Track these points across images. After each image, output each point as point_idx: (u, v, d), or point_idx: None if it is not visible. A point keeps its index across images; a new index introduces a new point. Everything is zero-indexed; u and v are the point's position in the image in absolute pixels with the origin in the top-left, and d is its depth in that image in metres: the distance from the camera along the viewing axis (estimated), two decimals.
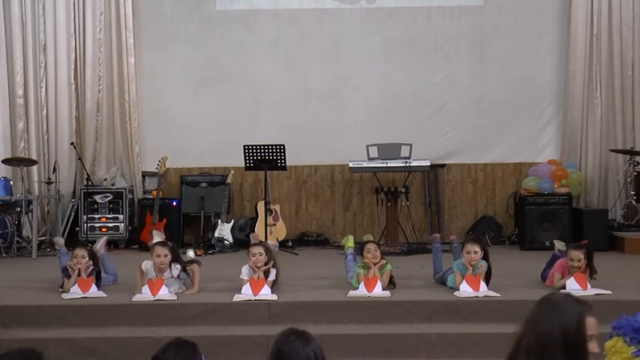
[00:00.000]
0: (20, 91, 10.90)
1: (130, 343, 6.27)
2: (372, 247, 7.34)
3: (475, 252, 7.12)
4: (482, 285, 6.97)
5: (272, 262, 7.15)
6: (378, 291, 6.91)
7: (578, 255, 7.11)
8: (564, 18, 11.07)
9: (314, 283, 7.77)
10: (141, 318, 6.62)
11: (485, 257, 7.18)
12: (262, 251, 7.09)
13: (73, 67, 11.03)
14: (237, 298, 6.80)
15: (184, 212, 10.86)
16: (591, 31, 10.92)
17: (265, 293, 6.83)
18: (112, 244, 10.62)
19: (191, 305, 6.74)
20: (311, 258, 9.81)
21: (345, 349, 6.20)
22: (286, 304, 6.76)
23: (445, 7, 11.21)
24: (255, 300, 6.74)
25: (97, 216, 10.64)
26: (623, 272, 8.34)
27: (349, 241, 8.01)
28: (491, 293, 6.88)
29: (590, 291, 6.88)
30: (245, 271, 7.14)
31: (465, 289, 6.90)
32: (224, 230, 10.29)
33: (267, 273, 7.08)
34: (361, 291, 6.92)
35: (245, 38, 11.25)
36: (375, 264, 7.19)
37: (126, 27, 11.00)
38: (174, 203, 10.80)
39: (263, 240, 8.45)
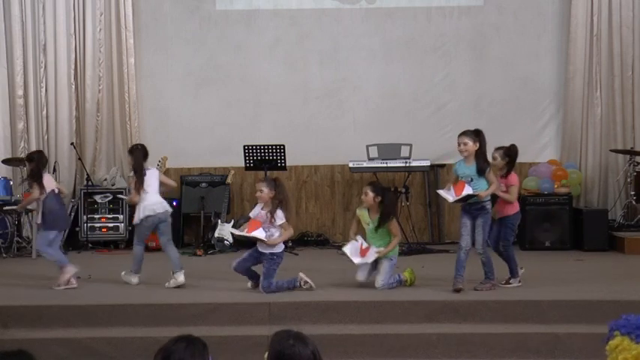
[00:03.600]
0: (20, 92, 10.89)
1: (130, 343, 6.29)
2: (366, 189, 7.51)
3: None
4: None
5: (278, 201, 7.23)
6: (366, 259, 7.34)
7: (498, 153, 7.48)
8: (564, 18, 11.07)
9: (314, 283, 7.76)
10: (141, 318, 6.63)
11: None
12: (264, 188, 7.24)
13: (73, 67, 11.03)
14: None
15: (184, 212, 10.86)
16: (591, 31, 10.92)
17: (256, 234, 7.10)
18: (112, 245, 10.64)
19: (191, 305, 6.76)
20: (311, 258, 9.80)
21: (344, 349, 6.21)
22: (286, 304, 6.77)
23: (445, 7, 11.20)
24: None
25: (97, 216, 10.63)
26: (624, 272, 8.35)
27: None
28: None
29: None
30: (255, 211, 7.40)
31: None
32: (224, 230, 10.27)
33: (273, 213, 7.20)
34: (352, 255, 7.39)
35: (245, 38, 11.25)
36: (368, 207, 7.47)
37: (126, 27, 11.00)
38: (175, 203, 10.74)
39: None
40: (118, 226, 10.63)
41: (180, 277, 7.56)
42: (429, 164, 10.34)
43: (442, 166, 11.09)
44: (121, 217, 10.64)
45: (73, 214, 10.70)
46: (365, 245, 7.42)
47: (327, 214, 11.25)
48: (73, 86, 11.06)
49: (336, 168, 11.15)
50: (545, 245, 10.13)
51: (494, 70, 11.20)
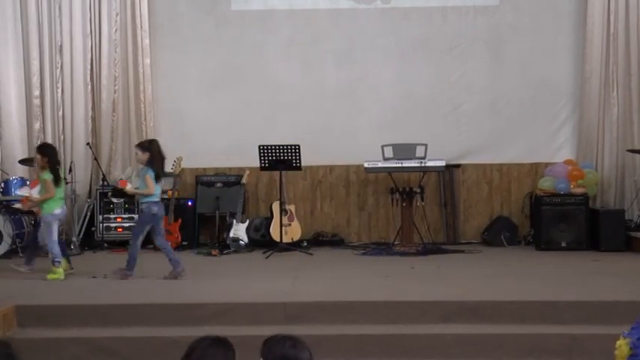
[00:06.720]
0: (37, 92, 10.95)
1: (146, 342, 6.28)
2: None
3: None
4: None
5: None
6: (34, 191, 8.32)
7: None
8: (580, 17, 11.01)
9: (329, 283, 7.78)
10: (157, 318, 6.63)
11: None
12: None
13: (89, 67, 11.07)
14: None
15: (200, 212, 10.87)
16: (608, 30, 10.84)
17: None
18: (128, 244, 10.65)
19: (207, 305, 6.76)
20: (326, 258, 9.79)
21: (360, 349, 6.19)
22: (302, 304, 6.75)
23: (461, 6, 11.16)
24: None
25: (112, 216, 10.68)
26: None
27: None
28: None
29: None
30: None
31: None
32: (239, 230, 10.30)
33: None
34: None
35: (260, 38, 11.25)
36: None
37: (141, 28, 11.03)
38: (190, 203, 10.82)
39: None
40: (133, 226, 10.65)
41: None
42: (444, 164, 10.31)
43: (457, 166, 11.08)
44: (136, 217, 10.63)
45: (89, 213, 10.75)
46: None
47: (342, 214, 11.24)
48: (89, 86, 11.10)
49: (352, 168, 11.13)
50: (562, 245, 10.09)
51: (510, 70, 11.15)
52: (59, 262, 8.14)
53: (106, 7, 11.03)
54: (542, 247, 10.15)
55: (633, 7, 10.78)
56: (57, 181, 8.21)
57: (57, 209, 8.25)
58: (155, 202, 8.15)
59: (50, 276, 8.02)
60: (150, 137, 10.97)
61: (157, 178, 8.14)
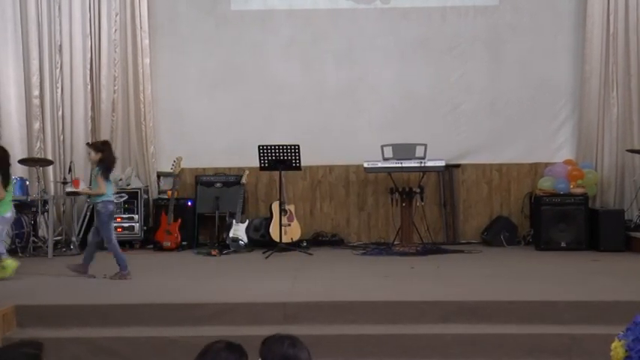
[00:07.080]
0: (36, 92, 10.94)
1: (145, 342, 6.28)
2: None
3: None
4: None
5: None
6: None
7: None
8: (580, 17, 11.01)
9: (329, 283, 7.77)
10: (156, 318, 6.63)
11: None
12: None
13: (88, 67, 11.07)
14: None
15: (199, 212, 10.87)
16: (607, 30, 10.85)
17: None
18: (127, 244, 10.66)
19: (206, 305, 6.75)
20: (326, 258, 9.79)
21: (360, 349, 6.19)
22: (301, 304, 6.75)
23: (460, 6, 11.17)
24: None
25: None
26: (639, 273, 8.29)
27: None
28: None
29: None
30: None
31: None
32: (239, 230, 10.30)
33: None
34: None
35: (260, 38, 11.25)
36: None
37: (141, 28, 11.03)
38: (189, 203, 10.82)
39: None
40: (133, 226, 10.65)
41: None
42: (443, 164, 10.31)
43: (457, 166, 11.08)
44: (136, 217, 10.66)
45: (88, 213, 10.74)
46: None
47: (342, 214, 11.24)
48: (89, 86, 11.10)
49: (351, 168, 11.13)
50: (561, 245, 10.09)
51: (509, 70, 11.15)
52: (3, 253, 8.26)
53: (105, 7, 11.04)
54: (542, 247, 10.15)
55: (633, 7, 10.78)
56: (6, 184, 8.19)
57: (8, 212, 8.29)
58: (110, 201, 8.28)
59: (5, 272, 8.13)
60: (149, 137, 11.05)
61: (108, 178, 8.26)
